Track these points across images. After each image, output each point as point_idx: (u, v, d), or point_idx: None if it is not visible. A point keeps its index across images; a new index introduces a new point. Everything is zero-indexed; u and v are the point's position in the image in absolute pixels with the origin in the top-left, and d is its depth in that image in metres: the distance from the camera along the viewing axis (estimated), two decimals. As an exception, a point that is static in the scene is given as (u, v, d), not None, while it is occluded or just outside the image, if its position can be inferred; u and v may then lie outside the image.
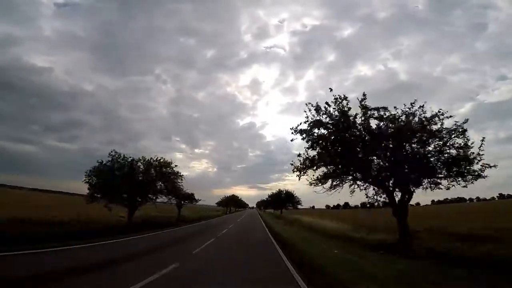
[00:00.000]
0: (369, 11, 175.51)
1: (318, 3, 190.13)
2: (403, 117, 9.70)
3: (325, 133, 9.86)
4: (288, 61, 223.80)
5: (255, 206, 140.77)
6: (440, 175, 9.35)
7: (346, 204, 79.31)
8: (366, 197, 10.61)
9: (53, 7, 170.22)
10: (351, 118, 9.63)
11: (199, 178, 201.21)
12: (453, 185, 9.25)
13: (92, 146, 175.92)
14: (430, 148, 9.43)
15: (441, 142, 9.20)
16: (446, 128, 9.17)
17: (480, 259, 6.60)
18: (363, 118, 9.71)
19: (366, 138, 9.70)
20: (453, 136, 9.07)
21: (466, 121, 9.03)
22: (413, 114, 9.59)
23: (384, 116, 9.74)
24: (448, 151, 9.18)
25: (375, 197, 10.47)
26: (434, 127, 9.26)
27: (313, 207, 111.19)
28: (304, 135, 10.07)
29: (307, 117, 9.87)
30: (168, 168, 18.00)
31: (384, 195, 10.26)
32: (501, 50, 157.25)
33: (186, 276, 5.68)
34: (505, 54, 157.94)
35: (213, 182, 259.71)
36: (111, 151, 16.12)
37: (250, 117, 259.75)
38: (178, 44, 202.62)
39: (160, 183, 18.04)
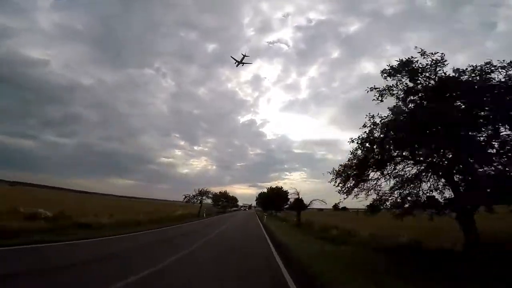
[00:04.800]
0: (376, 6, 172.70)
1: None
2: None
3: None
4: (291, 57, 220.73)
5: (254, 204, 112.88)
6: None
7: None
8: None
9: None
10: None
11: (198, 176, 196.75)
12: None
13: (90, 142, 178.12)
14: None
15: None
16: None
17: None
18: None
19: None
20: None
21: None
22: None
23: None
24: None
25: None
26: None
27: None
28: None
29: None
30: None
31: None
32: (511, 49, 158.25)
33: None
34: None
35: (212, 181, 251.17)
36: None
37: (251, 114, 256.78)
38: (178, 38, 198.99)
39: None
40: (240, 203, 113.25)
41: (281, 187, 55.68)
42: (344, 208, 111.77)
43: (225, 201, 70.43)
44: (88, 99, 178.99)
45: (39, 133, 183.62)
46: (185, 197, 40.96)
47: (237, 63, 49.73)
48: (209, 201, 71.24)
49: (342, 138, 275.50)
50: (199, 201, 40.84)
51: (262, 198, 70.85)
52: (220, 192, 69.90)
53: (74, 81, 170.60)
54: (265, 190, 63.23)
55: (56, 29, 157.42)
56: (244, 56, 49.32)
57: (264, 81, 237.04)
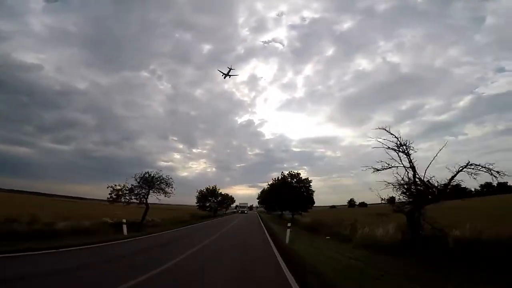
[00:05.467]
0: (368, 3, 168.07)
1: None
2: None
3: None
4: (286, 56, 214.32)
5: (256, 205, 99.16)
6: None
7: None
8: None
9: (42, 2, 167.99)
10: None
11: (197, 178, 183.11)
12: None
13: (87, 147, 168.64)
14: None
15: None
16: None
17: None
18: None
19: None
20: None
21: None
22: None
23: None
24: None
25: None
26: None
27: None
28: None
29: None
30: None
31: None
32: (500, 43, 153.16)
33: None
34: (504, 46, 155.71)
35: (212, 182, 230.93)
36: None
37: (248, 114, 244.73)
38: (173, 39, 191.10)
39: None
40: (237, 203, 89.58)
41: (299, 173, 34.42)
42: (363, 204, 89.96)
43: (215, 201, 49.05)
44: (83, 103, 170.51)
45: (29, 137, 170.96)
46: (112, 190, 19.69)
47: (224, 75, 52.56)
48: (191, 200, 52.13)
49: (340, 135, 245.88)
50: (139, 199, 19.63)
51: (268, 195, 49.82)
52: (207, 189, 48.70)
53: (68, 85, 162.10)
54: (271, 182, 41.40)
55: (48, 32, 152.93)
56: (230, 69, 51.97)
57: (261, 80, 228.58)
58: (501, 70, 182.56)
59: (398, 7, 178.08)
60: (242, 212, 78.66)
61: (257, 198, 62.20)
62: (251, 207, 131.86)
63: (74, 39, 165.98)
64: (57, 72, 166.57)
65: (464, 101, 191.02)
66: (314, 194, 32.66)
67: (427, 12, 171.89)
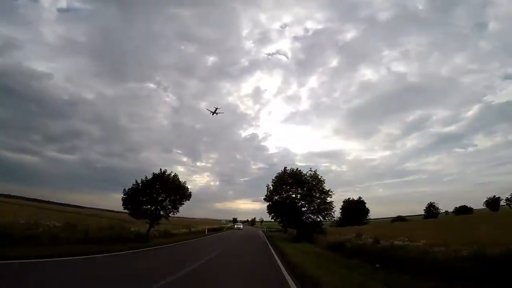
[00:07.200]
0: (370, 12, 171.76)
1: (320, 5, 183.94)
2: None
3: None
4: (290, 68, 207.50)
5: (259, 220, 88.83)
6: None
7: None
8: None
9: (56, 12, 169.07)
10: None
11: (201, 191, 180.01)
12: None
13: (92, 158, 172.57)
14: None
15: None
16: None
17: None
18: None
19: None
20: None
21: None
22: None
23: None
24: None
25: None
26: None
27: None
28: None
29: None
30: None
31: None
32: (505, 48, 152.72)
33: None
34: (510, 51, 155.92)
35: (215, 196, 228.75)
36: None
37: (253, 128, 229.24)
38: (178, 51, 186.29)
39: None
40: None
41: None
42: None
43: (165, 199, 21.40)
44: (90, 114, 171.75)
45: (41, 148, 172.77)
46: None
47: (212, 113, 59.59)
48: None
49: (346, 149, 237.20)
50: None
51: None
52: (154, 175, 21.62)
53: (76, 95, 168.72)
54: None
55: (59, 41, 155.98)
56: (217, 108, 59.92)
57: (265, 93, 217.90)
58: (509, 77, 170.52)
59: (399, 15, 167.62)
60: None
61: (265, 198, 33.89)
62: (253, 222, 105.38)
63: (83, 50, 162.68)
64: (66, 82, 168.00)
65: (473, 111, 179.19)
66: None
67: (429, 19, 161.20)
